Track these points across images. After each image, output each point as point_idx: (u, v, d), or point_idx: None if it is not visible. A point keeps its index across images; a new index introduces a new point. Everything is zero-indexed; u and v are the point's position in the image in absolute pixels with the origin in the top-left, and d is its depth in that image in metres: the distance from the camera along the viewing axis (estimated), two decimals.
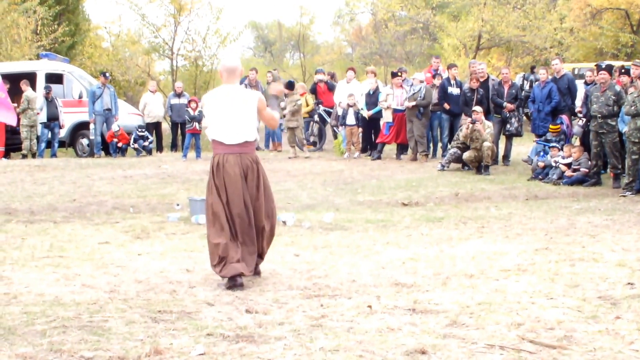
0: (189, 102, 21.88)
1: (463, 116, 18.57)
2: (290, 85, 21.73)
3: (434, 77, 20.25)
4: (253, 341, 5.65)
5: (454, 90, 19.44)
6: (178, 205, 13.21)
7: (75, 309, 6.59)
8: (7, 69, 24.28)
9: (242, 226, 7.65)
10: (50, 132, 22.71)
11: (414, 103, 19.21)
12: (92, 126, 22.67)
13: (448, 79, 19.72)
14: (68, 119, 23.25)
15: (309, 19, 51.66)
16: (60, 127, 22.89)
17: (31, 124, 22.43)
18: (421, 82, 19.80)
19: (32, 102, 22.32)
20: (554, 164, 16.51)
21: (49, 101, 22.41)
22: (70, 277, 7.96)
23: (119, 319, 6.26)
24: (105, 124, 22.79)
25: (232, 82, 7.96)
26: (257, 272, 7.95)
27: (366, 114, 20.75)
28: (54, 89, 23.11)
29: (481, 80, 18.84)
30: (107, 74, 24.07)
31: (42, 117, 22.39)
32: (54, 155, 22.68)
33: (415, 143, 19.74)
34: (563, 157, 16.38)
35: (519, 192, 15.09)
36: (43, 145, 22.74)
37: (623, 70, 16.10)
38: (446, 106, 19.41)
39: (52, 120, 22.55)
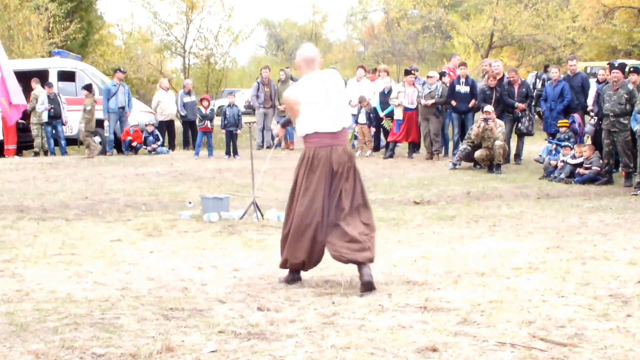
0: (201, 100, 21.88)
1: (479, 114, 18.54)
2: (88, 87, 21.88)
3: (441, 76, 20.30)
4: (265, 338, 5.66)
5: (462, 89, 19.44)
6: (190, 203, 13.23)
7: (87, 306, 6.62)
8: (19, 67, 24.33)
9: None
10: (54, 130, 22.74)
11: (432, 101, 19.25)
12: (106, 124, 22.70)
13: (458, 77, 19.73)
14: (80, 116, 23.27)
15: (322, 17, 51.72)
16: (63, 124, 22.88)
17: (41, 122, 22.47)
18: (437, 80, 19.83)
19: (41, 99, 22.38)
20: (561, 163, 16.51)
21: (51, 98, 22.42)
22: (82, 274, 7.99)
23: (130, 316, 6.28)
24: (119, 122, 22.83)
25: (313, 70, 7.61)
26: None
27: (382, 114, 20.68)
28: (64, 87, 23.20)
29: (497, 78, 18.87)
30: (123, 69, 24.13)
31: (45, 115, 22.39)
32: (64, 153, 22.69)
33: (430, 142, 19.75)
34: (573, 157, 16.34)
35: (530, 190, 15.07)
36: (52, 142, 22.77)
37: (632, 69, 16.04)
38: (453, 103, 19.42)
39: (55, 118, 22.55)
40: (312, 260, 7.49)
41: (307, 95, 7.39)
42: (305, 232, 7.30)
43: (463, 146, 18.10)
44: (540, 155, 18.31)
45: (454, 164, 18.11)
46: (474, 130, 17.49)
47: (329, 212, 7.31)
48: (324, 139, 7.32)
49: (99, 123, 23.10)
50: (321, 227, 7.30)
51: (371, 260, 7.25)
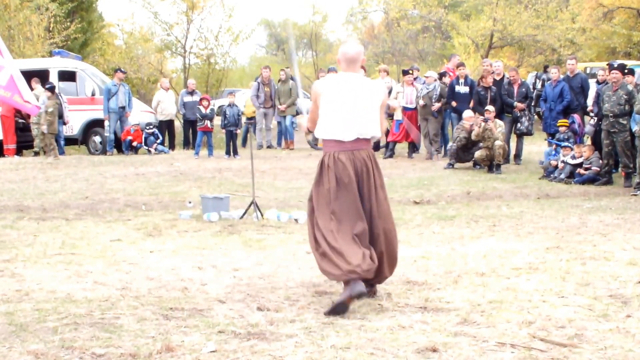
0: (201, 100, 21.88)
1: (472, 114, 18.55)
2: (51, 89, 21.75)
3: (441, 76, 20.29)
4: (264, 338, 5.66)
5: (461, 89, 19.45)
6: (190, 202, 13.22)
7: (87, 306, 6.61)
8: (20, 67, 24.26)
9: None
10: None
11: (439, 105, 19.29)
12: (106, 123, 22.69)
13: (457, 78, 19.74)
14: (80, 116, 23.28)
15: (322, 17, 51.71)
16: (64, 124, 22.85)
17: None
18: (435, 80, 19.83)
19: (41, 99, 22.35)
20: (561, 164, 16.52)
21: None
22: (82, 274, 7.98)
23: (130, 316, 6.28)
24: (119, 121, 22.83)
25: (353, 71, 6.77)
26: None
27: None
28: (65, 87, 23.17)
29: (497, 78, 18.89)
30: (123, 69, 24.13)
31: None
32: (62, 153, 22.65)
33: (430, 142, 19.76)
34: (573, 157, 16.35)
35: (530, 190, 15.07)
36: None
37: (626, 71, 16.04)
38: (453, 104, 19.44)
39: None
40: (366, 262, 6.49)
41: (332, 94, 6.68)
42: (344, 239, 6.55)
43: (450, 143, 18.25)
44: (542, 162, 18.27)
45: (450, 164, 18.14)
46: (474, 131, 17.46)
47: (360, 218, 6.65)
48: (342, 143, 6.65)
49: (99, 123, 23.11)
50: (363, 233, 6.65)
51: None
